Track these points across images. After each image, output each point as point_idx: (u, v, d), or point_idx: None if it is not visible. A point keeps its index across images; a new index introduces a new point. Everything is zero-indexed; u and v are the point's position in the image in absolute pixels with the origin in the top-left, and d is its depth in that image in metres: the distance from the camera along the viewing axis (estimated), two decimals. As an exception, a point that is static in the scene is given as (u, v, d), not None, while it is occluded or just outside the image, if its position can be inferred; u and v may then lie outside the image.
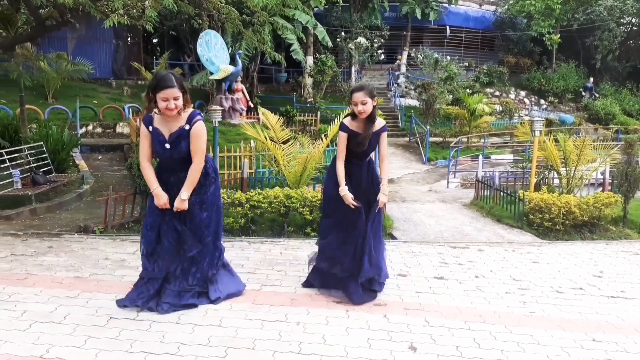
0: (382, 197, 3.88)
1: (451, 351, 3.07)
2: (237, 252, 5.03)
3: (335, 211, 3.92)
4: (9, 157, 7.38)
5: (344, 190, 3.79)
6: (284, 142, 7.43)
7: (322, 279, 4.01)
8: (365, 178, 3.94)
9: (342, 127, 3.90)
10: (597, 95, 23.68)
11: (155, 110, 3.39)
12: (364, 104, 3.74)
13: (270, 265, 4.62)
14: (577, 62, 24.79)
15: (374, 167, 4.10)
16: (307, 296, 3.87)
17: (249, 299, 3.74)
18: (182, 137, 3.39)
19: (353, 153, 3.89)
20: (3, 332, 3.04)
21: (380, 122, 3.92)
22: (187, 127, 3.40)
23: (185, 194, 3.40)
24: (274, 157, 7.34)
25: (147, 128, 3.45)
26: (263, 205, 5.94)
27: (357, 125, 3.86)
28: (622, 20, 23.62)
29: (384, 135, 3.95)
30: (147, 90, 3.38)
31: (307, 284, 4.08)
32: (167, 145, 3.40)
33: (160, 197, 3.41)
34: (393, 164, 13.32)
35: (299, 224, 6.15)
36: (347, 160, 3.90)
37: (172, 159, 3.45)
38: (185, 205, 3.41)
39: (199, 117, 3.44)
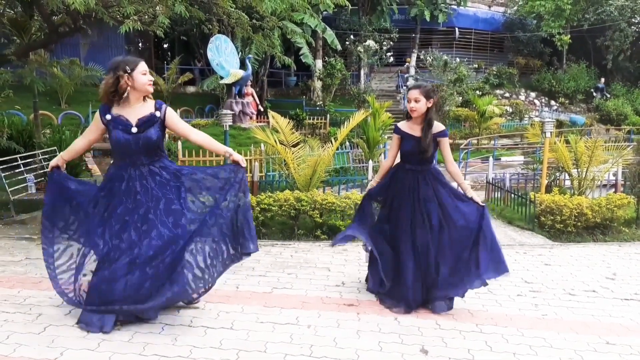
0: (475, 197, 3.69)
1: (463, 354, 3.06)
2: (248, 255, 5.06)
3: (382, 220, 3.91)
4: (23, 162, 7.47)
5: (370, 185, 4.09)
6: (294, 146, 7.45)
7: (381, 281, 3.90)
8: (425, 188, 3.71)
9: (395, 129, 3.84)
10: (608, 95, 23.45)
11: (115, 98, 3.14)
12: (417, 101, 3.65)
13: (281, 268, 4.64)
14: (588, 63, 24.58)
15: (440, 178, 3.82)
16: (318, 299, 3.88)
17: (260, 302, 3.76)
18: (151, 122, 3.17)
19: (409, 158, 3.77)
20: (18, 335, 3.08)
21: (439, 126, 3.75)
22: (157, 113, 3.20)
23: (231, 152, 3.25)
24: (284, 161, 7.36)
25: (104, 116, 3.17)
26: (273, 208, 5.96)
27: (411, 128, 3.75)
28: (633, 20, 23.37)
29: (445, 140, 3.75)
30: (116, 73, 3.09)
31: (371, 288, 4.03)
32: (134, 130, 3.13)
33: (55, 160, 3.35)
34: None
35: (309, 226, 6.17)
36: (403, 166, 3.82)
37: (137, 147, 3.15)
38: (243, 159, 3.24)
39: (165, 104, 3.31)
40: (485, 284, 3.70)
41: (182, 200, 3.24)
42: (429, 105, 3.67)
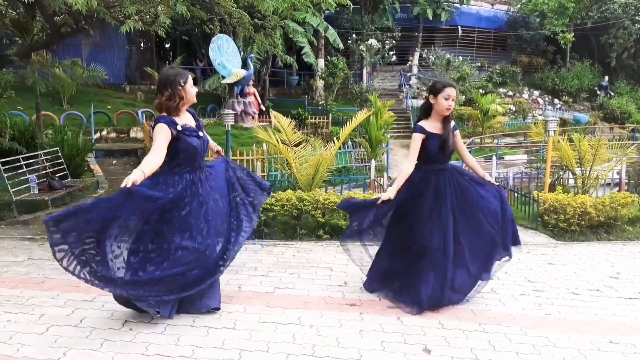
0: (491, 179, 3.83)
1: (466, 353, 3.05)
2: (250, 254, 5.06)
3: (396, 222, 3.82)
4: (25, 162, 7.50)
5: (388, 192, 3.59)
6: (296, 145, 7.44)
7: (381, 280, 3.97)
8: (456, 185, 3.70)
9: (419, 129, 3.67)
10: (612, 93, 23.38)
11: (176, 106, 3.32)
12: (454, 100, 3.65)
13: (283, 268, 4.63)
14: (592, 61, 24.50)
15: (456, 168, 3.88)
16: (320, 299, 3.88)
17: (263, 302, 3.76)
18: (201, 127, 3.52)
19: (437, 157, 3.70)
20: (21, 335, 3.09)
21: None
22: (199, 120, 3.56)
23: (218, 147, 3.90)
24: (286, 160, 7.35)
25: (174, 127, 3.25)
26: (275, 208, 5.95)
27: (434, 126, 3.70)
28: (637, 18, 23.28)
29: (458, 133, 3.85)
30: (174, 86, 3.25)
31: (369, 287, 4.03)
32: (201, 134, 3.44)
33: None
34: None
35: (311, 226, 6.16)
36: (432, 167, 3.73)
37: (204, 150, 3.50)
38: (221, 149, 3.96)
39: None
40: (510, 256, 3.86)
41: (230, 194, 3.67)
42: None
